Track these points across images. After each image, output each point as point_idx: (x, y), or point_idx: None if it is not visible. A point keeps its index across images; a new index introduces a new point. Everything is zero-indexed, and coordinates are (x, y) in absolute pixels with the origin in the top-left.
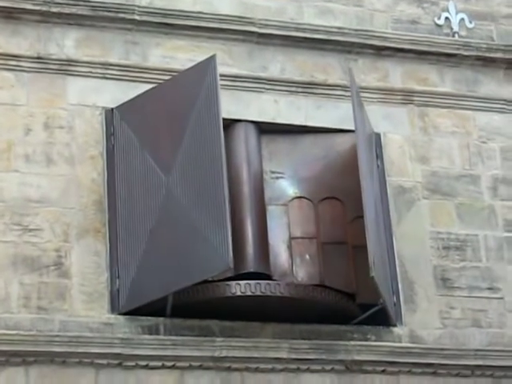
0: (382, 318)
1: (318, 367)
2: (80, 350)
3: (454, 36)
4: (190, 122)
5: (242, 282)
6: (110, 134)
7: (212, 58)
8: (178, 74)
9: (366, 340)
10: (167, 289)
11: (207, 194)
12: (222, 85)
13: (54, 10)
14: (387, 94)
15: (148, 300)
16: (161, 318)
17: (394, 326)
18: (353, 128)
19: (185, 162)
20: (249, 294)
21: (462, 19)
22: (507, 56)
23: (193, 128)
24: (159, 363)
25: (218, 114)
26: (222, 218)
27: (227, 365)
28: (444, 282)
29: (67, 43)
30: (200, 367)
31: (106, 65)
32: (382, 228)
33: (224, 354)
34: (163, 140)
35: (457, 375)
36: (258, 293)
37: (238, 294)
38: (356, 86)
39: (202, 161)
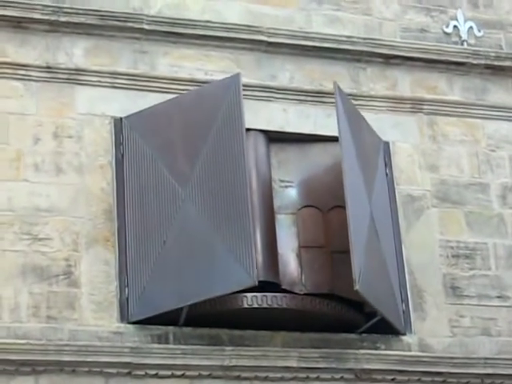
0: (391, 326)
1: (328, 376)
2: (89, 359)
3: (462, 44)
4: (209, 135)
5: (249, 295)
6: (119, 143)
7: (236, 76)
8: (198, 88)
9: (376, 349)
10: (184, 300)
11: (229, 206)
12: None
13: (63, 19)
14: (396, 103)
15: (163, 310)
16: (170, 327)
17: (404, 334)
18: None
19: (204, 175)
20: (255, 306)
21: (471, 27)
22: None
23: (213, 141)
24: (169, 372)
25: (242, 128)
26: (246, 231)
27: (237, 374)
28: (453, 291)
29: (76, 52)
30: (209, 376)
31: (114, 74)
32: (390, 236)
33: (233, 363)
34: (179, 152)
35: None
36: (265, 305)
37: (245, 306)
38: (344, 94)
39: (224, 174)
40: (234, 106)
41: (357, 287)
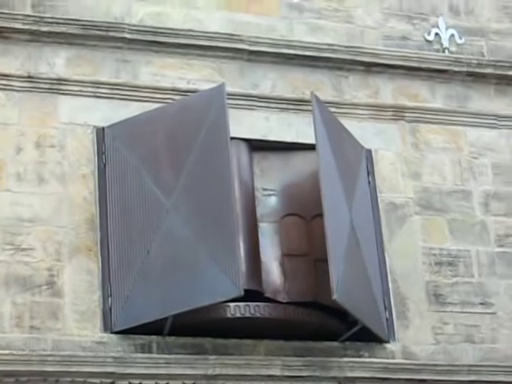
0: (374, 334)
1: None
2: (73, 369)
3: (444, 52)
4: (194, 146)
5: (232, 304)
6: (101, 152)
7: (221, 86)
8: (183, 99)
9: (359, 356)
10: (169, 310)
11: (214, 216)
12: None
13: (44, 29)
14: (378, 111)
15: (147, 320)
16: (154, 337)
17: (387, 342)
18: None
19: (188, 185)
20: (238, 315)
21: (452, 35)
22: (498, 71)
23: (198, 152)
24: (152, 382)
25: (227, 139)
26: (231, 241)
27: (221, 383)
28: (436, 298)
29: (58, 62)
30: None
31: (96, 83)
32: (373, 244)
33: (217, 371)
34: (163, 162)
35: None
36: (248, 314)
37: (228, 316)
38: (321, 103)
39: (209, 184)
40: (218, 116)
41: (335, 296)
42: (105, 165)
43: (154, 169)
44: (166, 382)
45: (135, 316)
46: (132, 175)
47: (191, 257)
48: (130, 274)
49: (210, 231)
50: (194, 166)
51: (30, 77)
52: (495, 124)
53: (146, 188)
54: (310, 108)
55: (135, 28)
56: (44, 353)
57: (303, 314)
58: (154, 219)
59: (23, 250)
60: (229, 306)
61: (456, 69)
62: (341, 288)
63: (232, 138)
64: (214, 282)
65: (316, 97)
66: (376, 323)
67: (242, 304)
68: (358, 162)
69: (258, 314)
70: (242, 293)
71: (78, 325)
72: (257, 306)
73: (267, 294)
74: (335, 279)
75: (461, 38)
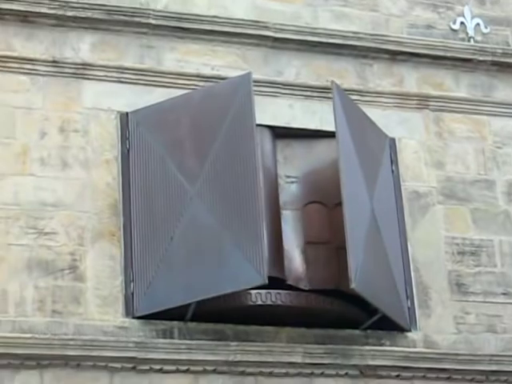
0: (396, 323)
1: (333, 372)
2: (94, 353)
3: (469, 41)
4: (219, 134)
5: (253, 292)
6: (125, 138)
7: (248, 75)
8: (208, 86)
9: (381, 345)
10: (192, 296)
11: (239, 204)
12: None
13: (70, 13)
14: (402, 99)
15: (170, 305)
16: (175, 322)
17: (409, 330)
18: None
19: (213, 172)
20: (260, 303)
21: (478, 24)
22: None
23: (223, 140)
24: (173, 367)
25: (253, 127)
26: (256, 229)
27: (241, 369)
28: (459, 287)
29: (82, 47)
30: (214, 371)
31: (120, 69)
32: (395, 233)
33: (238, 358)
34: (188, 149)
35: (471, 380)
36: (269, 302)
37: (249, 303)
38: (342, 92)
39: (234, 172)
40: (244, 104)
41: (353, 285)
42: (128, 150)
43: (179, 156)
44: (186, 367)
45: (158, 301)
46: (156, 161)
47: (215, 244)
48: (153, 259)
49: (235, 219)
50: (218, 154)
51: (54, 61)
52: None
53: (170, 175)
54: None
55: (160, 14)
56: (66, 337)
57: (324, 302)
58: (177, 206)
59: (46, 234)
60: (250, 294)
61: (481, 58)
62: (360, 277)
63: (256, 125)
64: (238, 270)
65: (336, 85)
66: (397, 312)
67: (263, 291)
68: (380, 151)
69: (279, 302)
70: (266, 281)
71: (99, 309)
72: (278, 293)
73: (289, 282)
74: (354, 268)
75: (486, 28)
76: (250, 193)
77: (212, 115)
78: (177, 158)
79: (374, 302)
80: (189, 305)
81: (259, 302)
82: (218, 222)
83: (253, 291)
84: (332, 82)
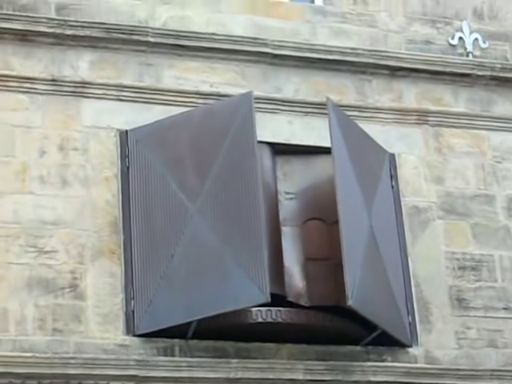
0: (398, 338)
1: None
2: (95, 371)
3: (468, 56)
4: (220, 152)
5: (254, 309)
6: (124, 155)
7: (248, 94)
8: (208, 105)
9: (382, 361)
10: (194, 314)
11: (241, 222)
12: None
13: (68, 32)
14: (402, 115)
15: (172, 323)
16: (176, 340)
17: (410, 346)
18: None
19: (214, 190)
20: (260, 320)
21: (476, 39)
22: None
23: (224, 158)
24: None
25: (254, 145)
26: (258, 247)
27: None
28: (459, 303)
29: (81, 65)
30: None
31: (120, 87)
32: (395, 248)
33: (239, 375)
34: (188, 166)
35: None
36: (270, 319)
37: (250, 321)
38: (337, 109)
39: (236, 191)
40: (245, 123)
41: (350, 302)
42: (128, 168)
43: (179, 174)
44: None
45: (159, 319)
46: (156, 179)
47: (216, 262)
48: (153, 277)
49: (236, 237)
50: (219, 172)
51: (53, 80)
52: None
53: (171, 192)
54: None
55: (159, 31)
56: (66, 355)
57: (324, 319)
58: (178, 224)
59: (46, 252)
60: (251, 311)
61: (480, 73)
62: (358, 293)
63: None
64: (240, 288)
65: (332, 102)
66: (397, 328)
67: (263, 309)
68: (379, 167)
69: (279, 319)
70: (269, 299)
71: (100, 327)
72: (278, 310)
73: (290, 298)
74: (351, 285)
75: (484, 43)
76: (252, 211)
77: (213, 133)
78: (177, 175)
79: (372, 318)
80: (190, 323)
81: (260, 320)
82: (218, 240)
83: (253, 309)
84: (327, 98)
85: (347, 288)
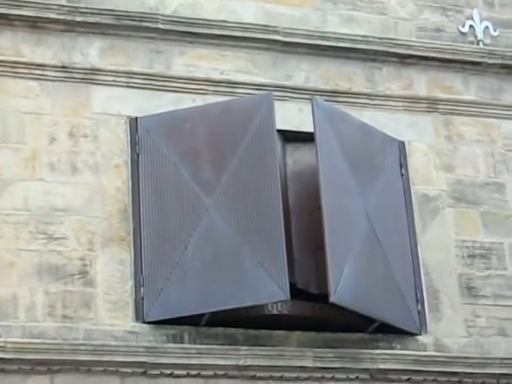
0: (407, 326)
1: (343, 376)
2: (105, 358)
3: (478, 44)
4: (239, 148)
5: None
6: (134, 142)
7: (268, 94)
8: (227, 101)
9: (391, 348)
10: (209, 306)
11: (260, 218)
12: (245, 93)
13: (79, 19)
14: (412, 102)
15: (185, 313)
16: (186, 327)
17: (419, 334)
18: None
19: (232, 185)
20: (266, 313)
21: (487, 27)
22: None
23: (243, 154)
24: (184, 372)
25: (274, 144)
26: (277, 244)
27: (252, 373)
28: (469, 291)
29: (91, 52)
30: (225, 376)
31: (130, 74)
32: (405, 236)
33: (249, 362)
34: (204, 160)
35: None
36: (275, 312)
37: (265, 313)
38: (321, 101)
39: (255, 187)
40: (266, 122)
41: (332, 299)
42: (138, 155)
43: (193, 165)
44: (197, 372)
45: (170, 308)
46: (167, 168)
47: (233, 256)
48: (164, 266)
49: (254, 233)
50: (238, 168)
51: (63, 67)
52: None
53: (184, 183)
54: (343, 99)
55: (169, 18)
56: (76, 342)
57: (329, 312)
58: (192, 215)
59: (56, 239)
60: (266, 304)
61: (490, 61)
62: (347, 286)
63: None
64: (259, 283)
65: (318, 100)
66: (401, 317)
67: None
68: (383, 155)
69: (285, 312)
70: (289, 297)
71: (110, 314)
72: (284, 303)
73: (299, 286)
74: (335, 280)
75: (495, 31)
76: (271, 209)
77: (231, 129)
78: (191, 167)
79: (364, 311)
80: (202, 314)
81: (275, 312)
82: (236, 234)
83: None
84: (312, 98)
85: (329, 283)
